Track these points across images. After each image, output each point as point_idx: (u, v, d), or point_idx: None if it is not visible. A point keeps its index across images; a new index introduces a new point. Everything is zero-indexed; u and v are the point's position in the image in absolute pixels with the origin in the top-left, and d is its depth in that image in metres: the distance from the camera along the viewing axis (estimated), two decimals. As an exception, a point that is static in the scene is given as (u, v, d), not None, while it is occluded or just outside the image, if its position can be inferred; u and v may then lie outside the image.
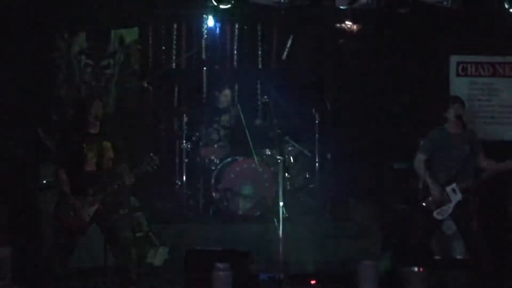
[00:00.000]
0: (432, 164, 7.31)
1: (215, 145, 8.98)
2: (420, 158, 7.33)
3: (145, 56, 9.69)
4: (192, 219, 8.63)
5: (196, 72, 9.93)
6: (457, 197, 7.15)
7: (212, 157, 8.92)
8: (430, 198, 7.20)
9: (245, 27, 9.92)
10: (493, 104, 9.26)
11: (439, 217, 7.21)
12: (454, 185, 7.15)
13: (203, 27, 9.69)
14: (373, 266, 6.90)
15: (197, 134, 8.96)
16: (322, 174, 9.10)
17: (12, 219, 7.61)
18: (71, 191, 6.38)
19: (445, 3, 8.17)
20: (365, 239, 8.25)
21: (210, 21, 9.24)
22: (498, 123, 9.23)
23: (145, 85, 9.07)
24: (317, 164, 9.11)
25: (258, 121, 9.26)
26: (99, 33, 9.47)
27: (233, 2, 8.39)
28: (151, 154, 6.58)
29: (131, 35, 9.56)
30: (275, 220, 7.15)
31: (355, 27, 8.91)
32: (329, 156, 9.16)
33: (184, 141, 8.79)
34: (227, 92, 9.15)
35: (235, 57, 9.95)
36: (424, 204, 7.22)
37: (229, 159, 8.82)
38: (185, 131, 8.80)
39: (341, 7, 8.34)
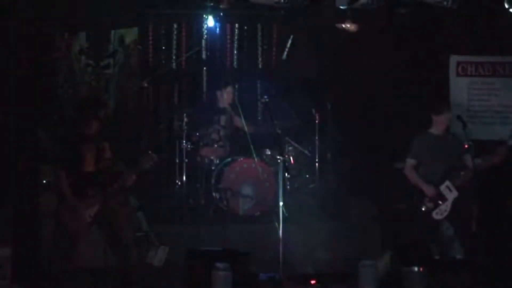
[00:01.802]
0: (422, 166, 7.34)
1: (215, 145, 8.98)
2: (410, 164, 7.37)
3: (145, 56, 9.69)
4: (192, 219, 8.63)
5: (196, 72, 9.93)
6: (452, 194, 7.18)
7: (212, 157, 8.92)
8: (426, 200, 7.21)
9: (245, 27, 9.92)
10: (493, 104, 9.26)
11: (438, 217, 7.22)
12: (447, 183, 7.18)
13: (203, 27, 9.70)
14: (373, 266, 6.90)
15: (197, 134, 8.96)
16: (322, 174, 9.10)
17: (12, 219, 7.60)
18: (71, 192, 6.38)
19: (445, 3, 8.15)
20: (365, 239, 8.25)
21: (210, 21, 9.23)
22: (498, 123, 9.23)
23: (145, 85, 9.07)
24: (317, 164, 9.11)
25: (253, 128, 9.20)
26: (99, 33, 9.47)
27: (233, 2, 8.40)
28: (149, 151, 6.57)
29: (131, 35, 9.57)
30: (275, 220, 7.15)
31: (355, 27, 8.91)
32: (329, 156, 9.16)
33: (184, 141, 8.79)
34: (229, 89, 9.12)
35: (235, 57, 9.95)
36: (422, 208, 7.24)
37: (229, 159, 8.82)
38: (185, 131, 8.80)
39: (341, 7, 8.33)
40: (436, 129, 7.39)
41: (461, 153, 7.34)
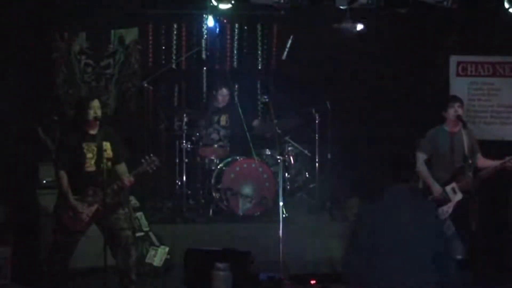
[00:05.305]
0: (431, 164, 7.33)
1: (215, 145, 8.99)
2: (420, 158, 7.34)
3: (145, 56, 9.70)
4: (192, 219, 8.64)
5: (196, 72, 9.94)
6: (457, 197, 7.16)
7: (212, 157, 8.93)
8: (430, 198, 7.21)
9: (245, 27, 9.92)
10: (493, 104, 9.26)
11: (440, 217, 7.21)
12: (453, 185, 7.16)
13: (203, 27, 9.70)
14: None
15: (197, 134, 8.97)
16: (322, 174, 9.10)
17: (12, 219, 7.61)
18: (70, 191, 6.38)
19: (445, 3, 8.17)
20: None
21: (210, 21, 9.23)
22: (498, 123, 9.24)
23: (145, 85, 9.07)
24: (317, 164, 9.11)
25: (256, 122, 9.26)
26: (99, 33, 9.48)
27: (233, 2, 8.39)
28: (151, 155, 6.57)
29: (131, 35, 9.57)
30: (276, 219, 7.16)
31: (355, 27, 8.90)
32: (329, 156, 9.16)
33: (184, 141, 8.79)
34: (224, 91, 9.15)
35: (235, 57, 9.95)
36: None
37: (229, 159, 8.82)
38: (185, 131, 8.81)
39: (341, 7, 8.34)
40: (448, 125, 7.37)
41: (475, 151, 7.31)
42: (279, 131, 8.43)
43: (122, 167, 6.57)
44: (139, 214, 7.97)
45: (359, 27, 8.76)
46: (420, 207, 4.95)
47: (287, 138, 9.08)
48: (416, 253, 4.69)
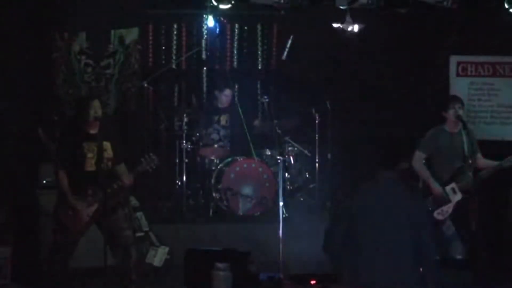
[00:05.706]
0: (431, 164, 7.33)
1: (215, 145, 8.99)
2: (419, 157, 7.34)
3: (145, 56, 9.70)
4: (192, 219, 8.64)
5: (196, 72, 9.94)
6: (457, 197, 7.16)
7: (212, 157, 8.93)
8: (430, 198, 7.21)
9: (245, 27, 9.93)
10: (493, 104, 9.27)
11: (439, 218, 7.21)
12: (453, 185, 7.16)
13: (203, 27, 9.70)
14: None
15: (197, 134, 8.97)
16: (322, 174, 9.10)
17: (12, 219, 7.61)
18: (70, 191, 6.38)
19: (445, 3, 8.17)
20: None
21: (210, 21, 9.23)
22: (498, 123, 9.24)
23: (145, 85, 9.07)
24: (317, 164, 9.11)
25: (256, 122, 9.26)
26: (99, 33, 9.48)
27: (233, 2, 8.39)
28: (150, 154, 6.58)
29: (131, 35, 9.57)
30: (276, 219, 7.16)
31: (354, 27, 8.91)
32: (329, 156, 9.16)
33: (184, 141, 8.79)
34: (228, 92, 9.15)
35: (235, 57, 9.95)
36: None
37: (229, 159, 8.82)
38: (185, 131, 8.81)
39: (341, 7, 8.34)
40: (448, 125, 7.37)
41: (475, 151, 7.32)
42: (279, 131, 8.43)
43: (122, 167, 6.58)
44: (139, 214, 7.97)
45: (359, 27, 8.76)
46: (406, 194, 4.93)
47: (287, 138, 9.08)
48: (398, 241, 4.67)
